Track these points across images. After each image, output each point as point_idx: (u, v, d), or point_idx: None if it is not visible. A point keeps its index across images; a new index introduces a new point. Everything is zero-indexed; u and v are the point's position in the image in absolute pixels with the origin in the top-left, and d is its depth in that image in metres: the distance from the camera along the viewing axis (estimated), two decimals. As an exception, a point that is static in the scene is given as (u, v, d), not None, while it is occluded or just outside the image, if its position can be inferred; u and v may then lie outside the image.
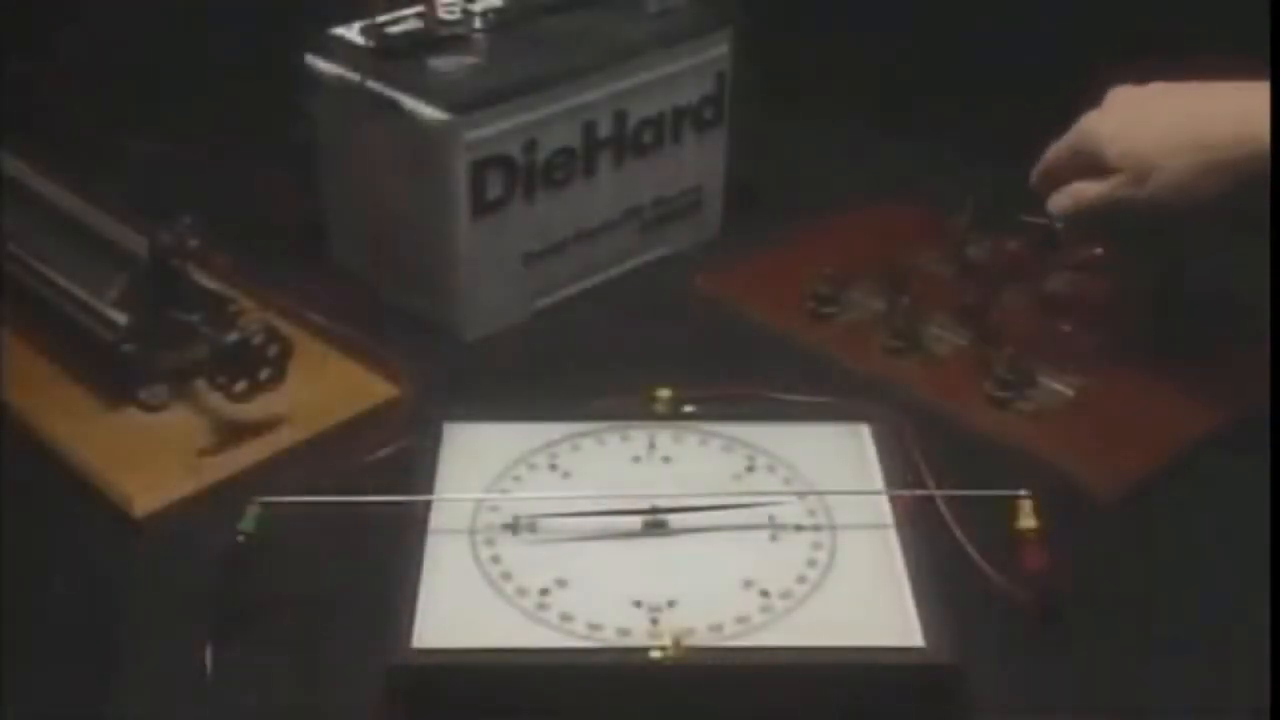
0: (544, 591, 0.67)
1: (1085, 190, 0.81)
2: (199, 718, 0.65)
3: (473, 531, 0.70)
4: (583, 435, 0.77)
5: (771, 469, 0.75)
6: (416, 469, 0.74)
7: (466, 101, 0.86)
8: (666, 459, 0.76)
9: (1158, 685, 0.67)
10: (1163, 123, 0.78)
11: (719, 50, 0.98)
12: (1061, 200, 0.83)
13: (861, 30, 1.28)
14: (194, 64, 1.22)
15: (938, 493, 0.74)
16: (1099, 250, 0.90)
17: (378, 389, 0.85)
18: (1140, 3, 1.19)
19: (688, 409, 0.78)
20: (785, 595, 0.67)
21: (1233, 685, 0.66)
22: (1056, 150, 0.83)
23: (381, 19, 0.91)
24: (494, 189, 0.89)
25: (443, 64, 0.89)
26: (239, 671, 0.66)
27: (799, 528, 0.71)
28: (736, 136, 1.02)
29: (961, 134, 1.14)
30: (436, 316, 0.93)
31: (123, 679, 0.67)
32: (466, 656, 0.63)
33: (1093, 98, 0.82)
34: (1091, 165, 0.81)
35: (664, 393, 0.79)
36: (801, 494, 0.73)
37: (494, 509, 0.72)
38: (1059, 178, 0.83)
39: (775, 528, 0.71)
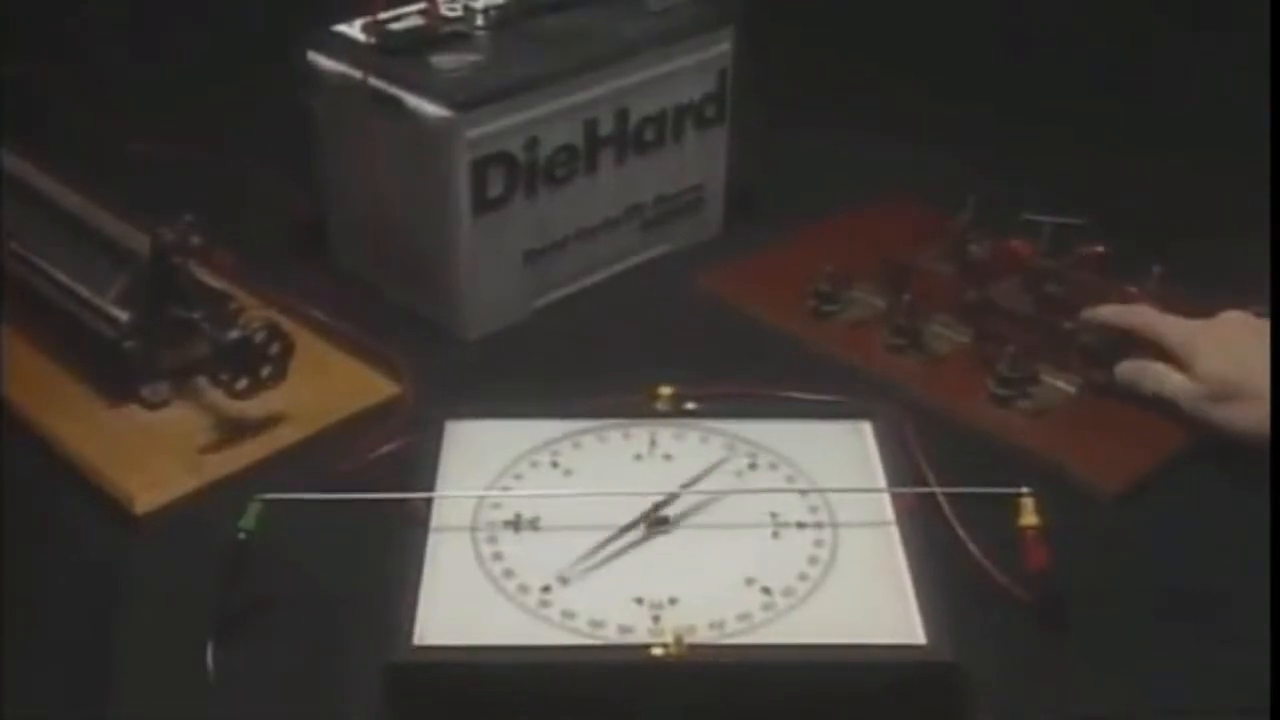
0: (545, 589, 0.67)
1: (1166, 378, 0.81)
2: (200, 716, 0.65)
3: (474, 529, 0.70)
4: (584, 433, 0.77)
5: (774, 466, 0.75)
6: (418, 466, 0.74)
7: (468, 99, 0.86)
8: (668, 457, 0.76)
9: (1159, 683, 0.67)
10: (1260, 361, 0.78)
11: (721, 48, 0.98)
12: (1141, 380, 0.83)
13: (864, 29, 1.28)
14: (195, 62, 1.22)
15: (939, 490, 0.74)
16: (1101, 248, 0.89)
17: (379, 387, 0.85)
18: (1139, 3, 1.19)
19: (689, 407, 0.78)
20: (787, 593, 0.67)
21: (1235, 684, 0.66)
22: (1146, 322, 0.83)
23: (383, 16, 0.91)
24: (495, 187, 0.89)
25: (445, 61, 0.89)
26: (240, 669, 0.66)
27: (801, 525, 0.71)
28: (738, 134, 1.02)
29: (964, 132, 1.15)
30: (438, 314, 0.93)
31: (124, 677, 0.66)
32: (468, 654, 0.63)
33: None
34: (1171, 358, 0.81)
35: (665, 390, 0.79)
36: (803, 491, 0.73)
37: (496, 506, 0.72)
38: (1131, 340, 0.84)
39: (777, 525, 0.71)
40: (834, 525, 0.71)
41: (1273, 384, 0.78)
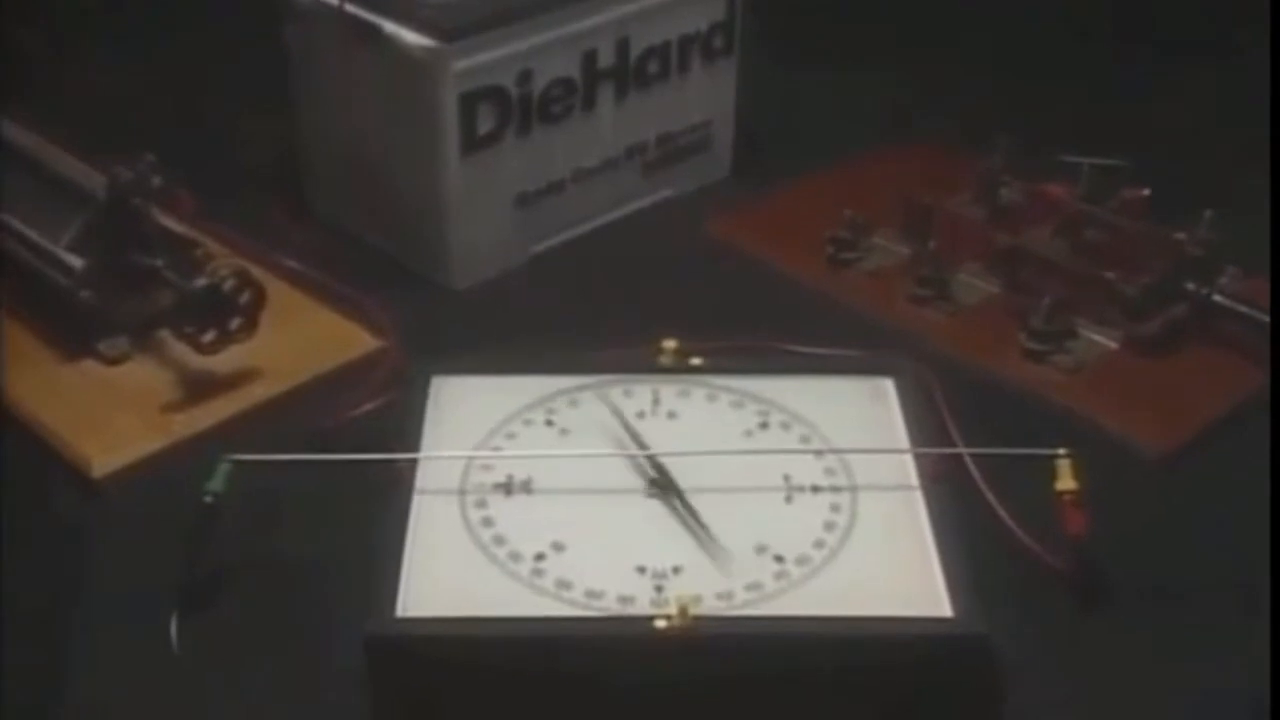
0: (539, 556, 0.66)
1: None
2: (163, 693, 0.64)
3: (462, 492, 0.70)
4: (581, 390, 0.77)
5: (786, 426, 0.75)
6: (402, 425, 0.73)
7: (455, 28, 0.86)
8: (672, 415, 0.75)
9: (1202, 656, 0.66)
10: None
11: (730, -27, 0.98)
12: None
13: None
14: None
15: (967, 451, 0.73)
16: (1146, 191, 0.88)
17: (360, 340, 0.85)
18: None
19: (695, 362, 0.78)
20: (801, 561, 0.66)
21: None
22: None
23: (363, -62, 0.90)
24: (485, 123, 0.89)
25: (429, -14, 0.88)
26: (206, 643, 0.66)
27: (816, 489, 0.70)
28: (749, 67, 1.01)
29: (994, 69, 1.14)
30: (423, 262, 0.93)
31: (82, 651, 0.66)
32: (455, 626, 0.63)
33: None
34: None
35: (670, 344, 0.78)
36: (819, 452, 0.72)
37: (486, 468, 0.71)
38: None
39: (791, 489, 0.70)
40: (852, 489, 0.70)
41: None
